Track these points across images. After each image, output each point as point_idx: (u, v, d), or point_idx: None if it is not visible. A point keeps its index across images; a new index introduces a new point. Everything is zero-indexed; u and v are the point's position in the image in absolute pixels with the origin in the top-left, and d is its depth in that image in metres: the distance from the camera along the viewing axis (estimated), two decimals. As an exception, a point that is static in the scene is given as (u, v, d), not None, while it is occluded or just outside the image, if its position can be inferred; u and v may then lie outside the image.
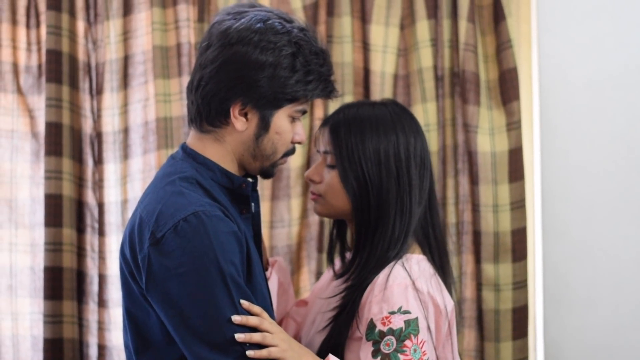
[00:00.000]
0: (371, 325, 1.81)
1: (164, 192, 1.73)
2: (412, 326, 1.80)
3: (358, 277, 1.91)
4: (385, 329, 1.79)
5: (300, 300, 2.25)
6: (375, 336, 1.80)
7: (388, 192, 1.92)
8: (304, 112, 1.84)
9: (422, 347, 1.80)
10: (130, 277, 1.74)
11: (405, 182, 1.93)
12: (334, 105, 2.53)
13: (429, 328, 1.83)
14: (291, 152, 1.87)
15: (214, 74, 1.74)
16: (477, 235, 2.61)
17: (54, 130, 2.64)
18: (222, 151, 1.81)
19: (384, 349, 1.78)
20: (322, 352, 1.87)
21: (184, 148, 1.84)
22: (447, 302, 1.92)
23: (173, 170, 1.79)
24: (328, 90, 1.82)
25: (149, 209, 1.71)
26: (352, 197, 1.94)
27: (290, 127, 1.82)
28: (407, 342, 1.78)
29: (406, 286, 1.83)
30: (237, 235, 1.70)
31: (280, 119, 1.79)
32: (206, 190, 1.75)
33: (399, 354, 1.78)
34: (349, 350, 1.86)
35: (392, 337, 1.78)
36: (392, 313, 1.80)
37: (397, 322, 1.79)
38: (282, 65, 1.73)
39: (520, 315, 2.60)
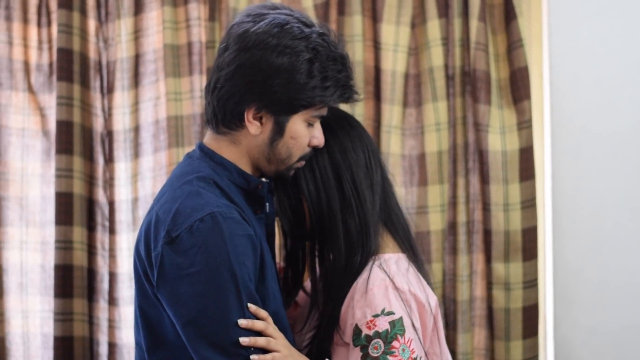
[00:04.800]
0: (357, 331, 1.80)
1: (181, 191, 1.72)
2: (397, 326, 1.79)
3: (327, 295, 1.88)
4: (371, 332, 1.79)
5: (293, 302, 2.24)
6: (362, 341, 1.79)
7: (331, 203, 1.87)
8: (321, 117, 1.82)
9: (410, 346, 1.79)
10: (143, 276, 1.74)
11: (349, 185, 1.88)
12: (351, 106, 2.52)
13: (414, 326, 1.82)
14: (308, 155, 1.85)
15: (229, 77, 1.73)
16: (487, 234, 2.61)
17: (64, 128, 2.64)
18: (237, 153, 1.80)
19: (373, 352, 1.78)
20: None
21: (201, 147, 1.83)
22: (430, 297, 1.90)
23: (190, 170, 1.78)
24: (346, 96, 1.79)
25: (166, 207, 1.71)
26: (286, 224, 1.93)
27: (307, 131, 1.80)
28: (395, 343, 1.78)
29: (386, 287, 1.82)
30: (252, 239, 1.70)
31: (296, 124, 1.77)
32: (223, 190, 1.74)
33: (388, 356, 1.77)
34: (335, 356, 1.86)
35: (379, 340, 1.78)
36: (376, 316, 1.79)
37: (382, 325, 1.79)
38: (298, 70, 1.71)
39: (530, 314, 2.60)
